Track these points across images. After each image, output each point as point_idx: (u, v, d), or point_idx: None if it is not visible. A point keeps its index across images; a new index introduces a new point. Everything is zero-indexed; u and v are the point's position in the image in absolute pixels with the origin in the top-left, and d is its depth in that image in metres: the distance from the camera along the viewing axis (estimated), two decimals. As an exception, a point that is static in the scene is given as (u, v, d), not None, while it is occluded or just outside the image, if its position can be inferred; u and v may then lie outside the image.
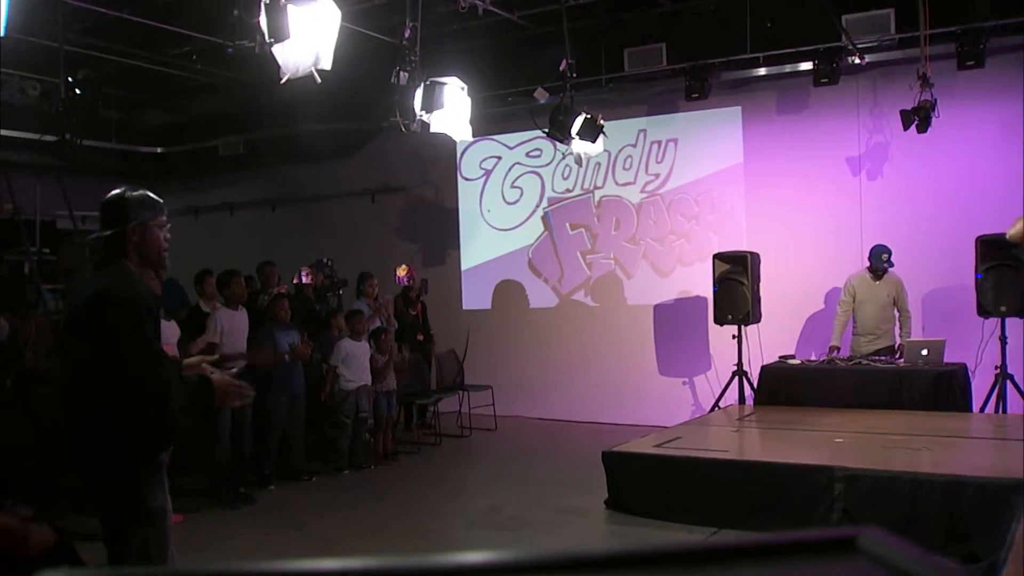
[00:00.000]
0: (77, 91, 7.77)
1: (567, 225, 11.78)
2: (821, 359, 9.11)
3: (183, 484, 6.79)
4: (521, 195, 12.06)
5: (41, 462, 6.61)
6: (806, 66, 9.71)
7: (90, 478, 3.35)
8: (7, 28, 5.20)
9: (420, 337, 10.80)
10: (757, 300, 9.46)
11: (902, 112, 8.77)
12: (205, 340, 7.49)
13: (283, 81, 5.32)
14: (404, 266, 11.13)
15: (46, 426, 6.76)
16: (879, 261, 8.89)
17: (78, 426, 3.34)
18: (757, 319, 9.48)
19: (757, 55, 9.74)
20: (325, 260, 10.45)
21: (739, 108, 10.60)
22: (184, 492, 6.87)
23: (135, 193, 3.44)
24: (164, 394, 3.27)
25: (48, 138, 7.92)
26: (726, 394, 9.58)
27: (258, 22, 4.92)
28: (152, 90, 12.92)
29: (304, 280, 10.17)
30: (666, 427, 8.39)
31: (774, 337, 9.68)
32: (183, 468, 6.73)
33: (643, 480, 6.80)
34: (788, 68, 9.94)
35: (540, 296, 11.99)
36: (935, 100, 8.70)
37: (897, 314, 9.04)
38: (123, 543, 3.33)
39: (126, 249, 3.38)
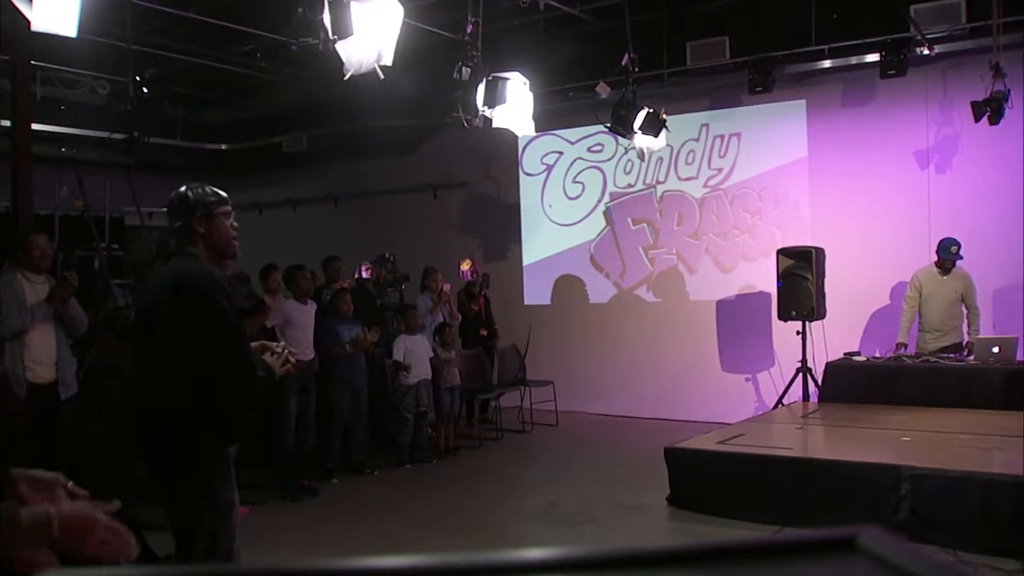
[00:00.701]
0: (145, 90, 7.92)
1: (629, 220, 11.72)
2: (887, 356, 8.95)
3: (247, 476, 6.89)
4: (583, 190, 12.03)
5: (111, 453, 6.78)
6: (872, 58, 9.52)
7: (162, 470, 3.41)
8: (79, 30, 5.32)
9: (484, 332, 10.82)
10: (822, 296, 9.32)
11: (973, 104, 8.52)
12: (258, 323, 7.41)
13: (346, 77, 5.37)
14: (468, 261, 11.14)
15: (116, 419, 6.93)
16: (948, 254, 8.66)
17: (154, 418, 3.40)
18: (822, 315, 9.34)
19: (822, 47, 9.58)
20: (387, 255, 10.50)
21: (803, 101, 10.44)
22: (248, 485, 6.98)
23: (197, 188, 3.53)
24: (252, 370, 3.35)
25: (117, 136, 8.09)
26: (790, 391, 9.46)
27: (322, 19, 4.98)
28: (217, 88, 13.15)
29: (364, 275, 10.26)
30: (729, 424, 8.34)
31: (839, 333, 9.54)
32: (247, 461, 6.83)
33: (705, 477, 6.75)
34: (854, 60, 9.76)
35: (602, 291, 11.95)
36: (1008, 91, 8.44)
37: (965, 311, 8.83)
38: (192, 534, 3.39)
39: (194, 240, 3.47)
